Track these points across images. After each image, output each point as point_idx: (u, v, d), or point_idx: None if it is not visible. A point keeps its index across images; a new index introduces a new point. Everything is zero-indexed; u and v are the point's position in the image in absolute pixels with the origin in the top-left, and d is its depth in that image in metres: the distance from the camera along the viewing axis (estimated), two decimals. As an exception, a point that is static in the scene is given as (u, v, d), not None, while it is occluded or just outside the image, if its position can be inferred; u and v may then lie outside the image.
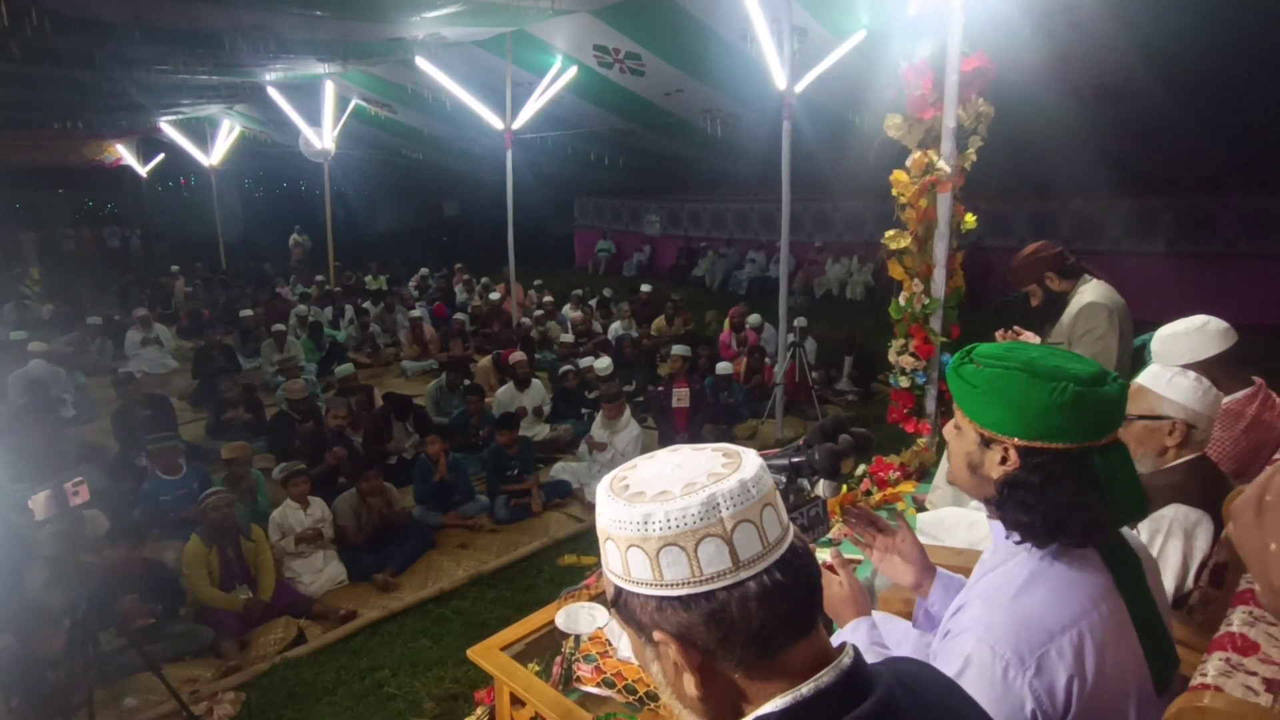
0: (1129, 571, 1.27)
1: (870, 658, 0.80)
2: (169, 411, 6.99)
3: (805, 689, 0.71)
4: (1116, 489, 1.19)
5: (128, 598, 3.99)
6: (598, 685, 1.84)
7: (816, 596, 0.77)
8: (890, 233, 4.16)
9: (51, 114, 12.13)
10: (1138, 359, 3.12)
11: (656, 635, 0.74)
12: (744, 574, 0.71)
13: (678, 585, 0.71)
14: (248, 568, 4.28)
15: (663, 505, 0.71)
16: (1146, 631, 1.25)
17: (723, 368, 7.16)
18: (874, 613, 1.91)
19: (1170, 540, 1.91)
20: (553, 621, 2.04)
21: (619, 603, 0.77)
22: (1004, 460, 1.23)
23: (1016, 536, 1.24)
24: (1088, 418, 1.17)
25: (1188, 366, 2.10)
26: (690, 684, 0.73)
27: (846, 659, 0.74)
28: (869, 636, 1.48)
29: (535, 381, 7.13)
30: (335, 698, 3.60)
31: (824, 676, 0.72)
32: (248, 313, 10.26)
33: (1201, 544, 1.90)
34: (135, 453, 5.82)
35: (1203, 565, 1.89)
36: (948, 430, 1.37)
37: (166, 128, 14.99)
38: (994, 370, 1.20)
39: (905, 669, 0.83)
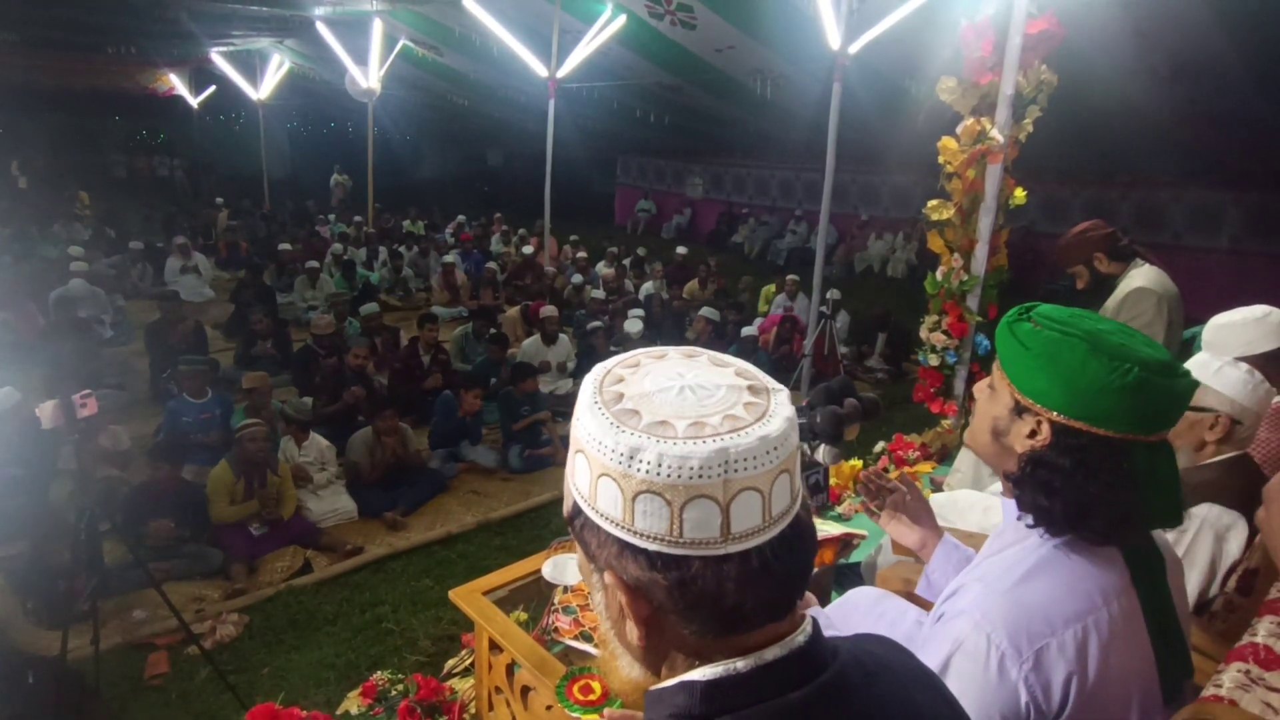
0: (1149, 569, 1.16)
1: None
2: (202, 338, 7.08)
3: (741, 662, 0.62)
4: (1155, 490, 1.08)
5: (155, 521, 4.01)
6: (575, 639, 1.80)
7: (804, 581, 0.65)
8: (933, 202, 3.97)
9: (105, 37, 12.22)
10: (1185, 353, 2.94)
11: (608, 577, 0.64)
12: (731, 548, 0.59)
13: (647, 538, 0.59)
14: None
15: (658, 444, 0.58)
16: (1160, 636, 1.15)
17: (747, 331, 7.00)
18: (873, 590, 1.83)
19: (1199, 541, 1.78)
20: (539, 570, 2.00)
21: (575, 524, 0.66)
22: (1034, 434, 1.12)
23: (1030, 519, 1.13)
24: (1145, 408, 1.04)
25: (1241, 359, 1.94)
26: (633, 632, 0.65)
27: (801, 635, 0.65)
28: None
29: (562, 337, 7.06)
30: (335, 628, 3.66)
31: (769, 651, 0.63)
32: (286, 247, 10.35)
33: (1233, 548, 1.77)
34: (165, 372, 5.92)
35: (1231, 570, 1.77)
36: (979, 388, 1.25)
37: (218, 59, 15.04)
38: (1053, 334, 1.08)
39: (872, 650, 0.74)
